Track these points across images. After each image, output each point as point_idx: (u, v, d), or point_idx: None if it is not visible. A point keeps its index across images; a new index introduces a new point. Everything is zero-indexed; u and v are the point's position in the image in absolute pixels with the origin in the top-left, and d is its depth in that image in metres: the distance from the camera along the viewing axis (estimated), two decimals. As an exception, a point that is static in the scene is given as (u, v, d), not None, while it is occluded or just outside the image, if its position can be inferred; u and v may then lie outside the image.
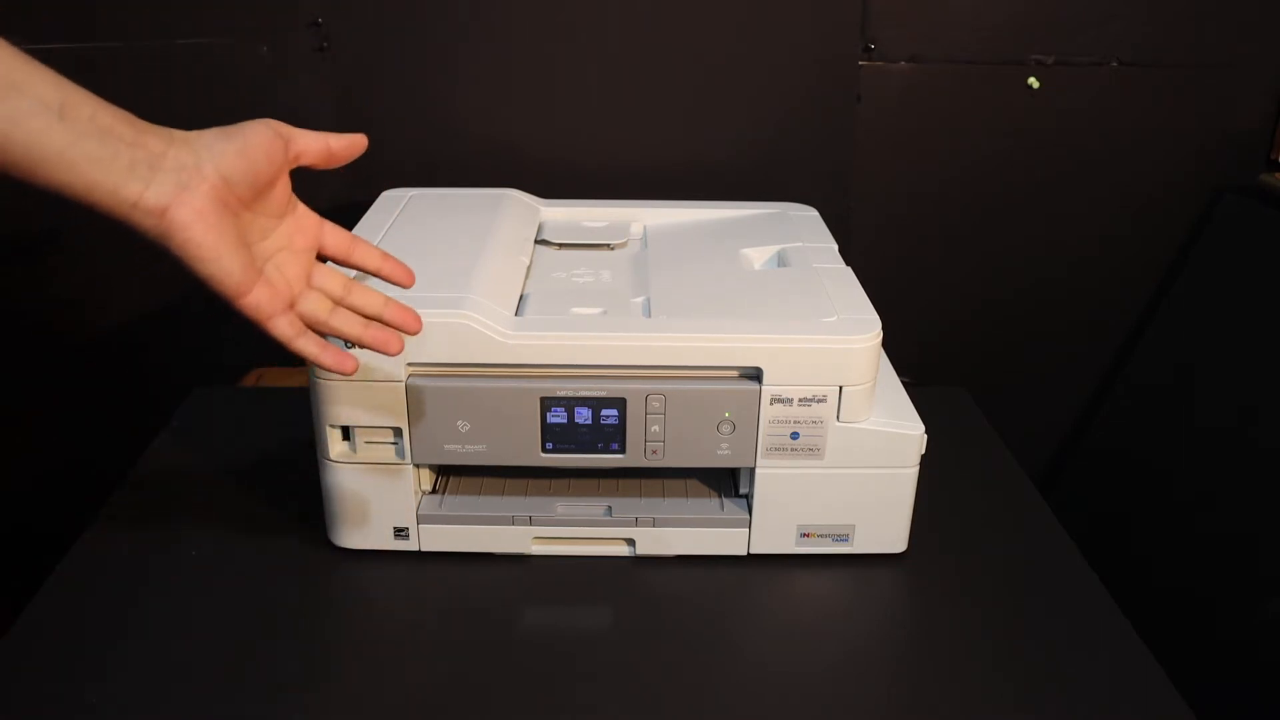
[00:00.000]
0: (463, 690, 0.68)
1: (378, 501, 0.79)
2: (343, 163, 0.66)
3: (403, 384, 0.74)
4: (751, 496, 0.79)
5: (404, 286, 0.68)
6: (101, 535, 0.83)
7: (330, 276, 0.65)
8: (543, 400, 0.75)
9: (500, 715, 0.66)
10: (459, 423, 0.75)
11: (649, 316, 0.78)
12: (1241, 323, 1.24)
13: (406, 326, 0.66)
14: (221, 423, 1.00)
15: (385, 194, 0.99)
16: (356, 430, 0.76)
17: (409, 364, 0.74)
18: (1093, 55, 1.24)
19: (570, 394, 0.75)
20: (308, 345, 0.62)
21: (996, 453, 0.98)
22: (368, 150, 0.66)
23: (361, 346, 0.65)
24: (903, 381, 0.84)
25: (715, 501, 0.82)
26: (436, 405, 0.75)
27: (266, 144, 0.60)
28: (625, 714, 0.67)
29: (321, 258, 0.66)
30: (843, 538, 0.80)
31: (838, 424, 0.76)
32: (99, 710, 0.66)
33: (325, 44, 1.19)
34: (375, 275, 0.67)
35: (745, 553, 0.81)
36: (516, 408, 0.75)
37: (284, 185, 0.63)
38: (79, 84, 0.56)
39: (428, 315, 0.72)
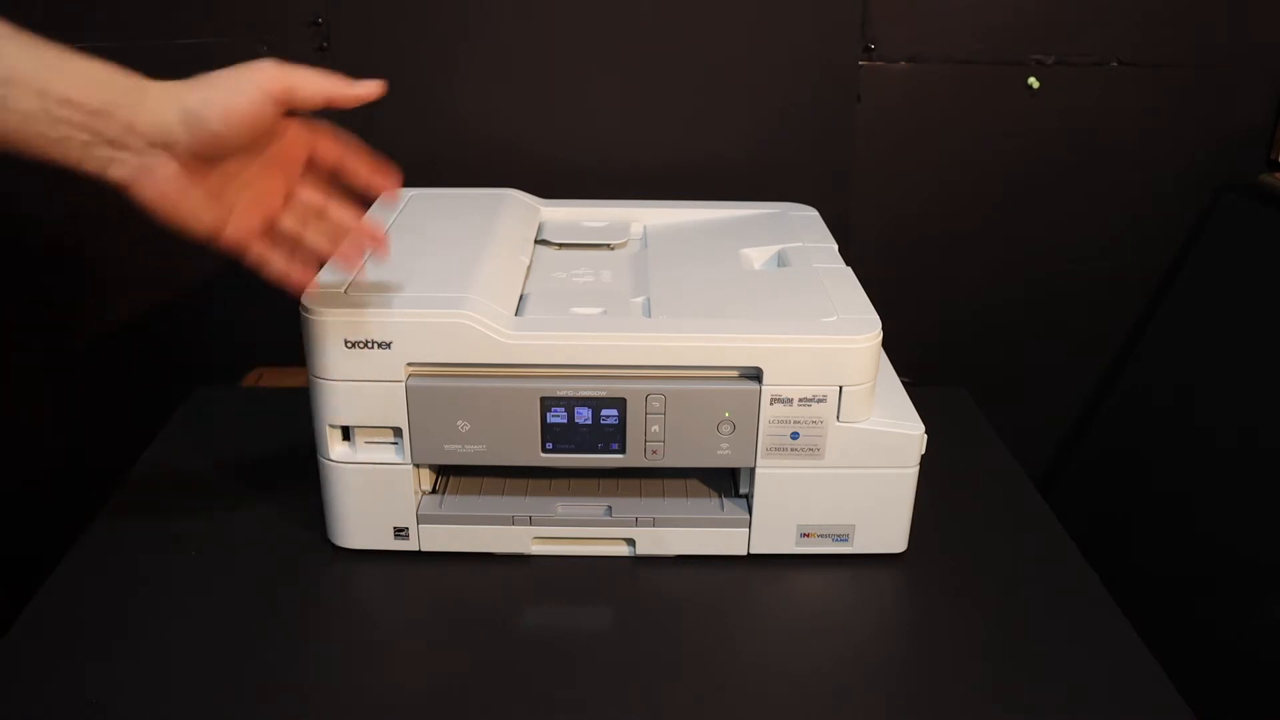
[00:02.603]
0: (463, 690, 0.68)
1: (378, 501, 0.79)
2: (348, 104, 0.64)
3: (403, 384, 0.74)
4: (751, 496, 0.79)
5: (390, 198, 0.70)
6: (101, 535, 0.83)
7: (314, 188, 0.66)
8: (543, 400, 0.75)
9: (500, 715, 0.66)
10: (459, 423, 0.75)
11: (649, 316, 0.78)
12: (1242, 322, 1.24)
13: (376, 241, 0.69)
14: (221, 423, 1.00)
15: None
16: (356, 430, 0.76)
17: (409, 364, 0.74)
18: (1093, 55, 1.24)
19: (570, 394, 0.75)
20: (274, 266, 0.64)
21: (996, 453, 0.98)
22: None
23: (329, 258, 0.68)
24: (903, 381, 0.84)
25: (715, 501, 0.82)
26: (436, 405, 0.75)
27: (255, 111, 0.58)
28: (625, 714, 0.67)
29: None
30: (843, 538, 0.80)
31: (838, 424, 0.76)
32: (99, 709, 0.66)
33: (325, 44, 1.19)
34: (364, 184, 0.68)
35: (745, 553, 0.81)
36: (516, 408, 0.75)
37: (273, 119, 0.61)
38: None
39: (428, 315, 0.73)
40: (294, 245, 0.65)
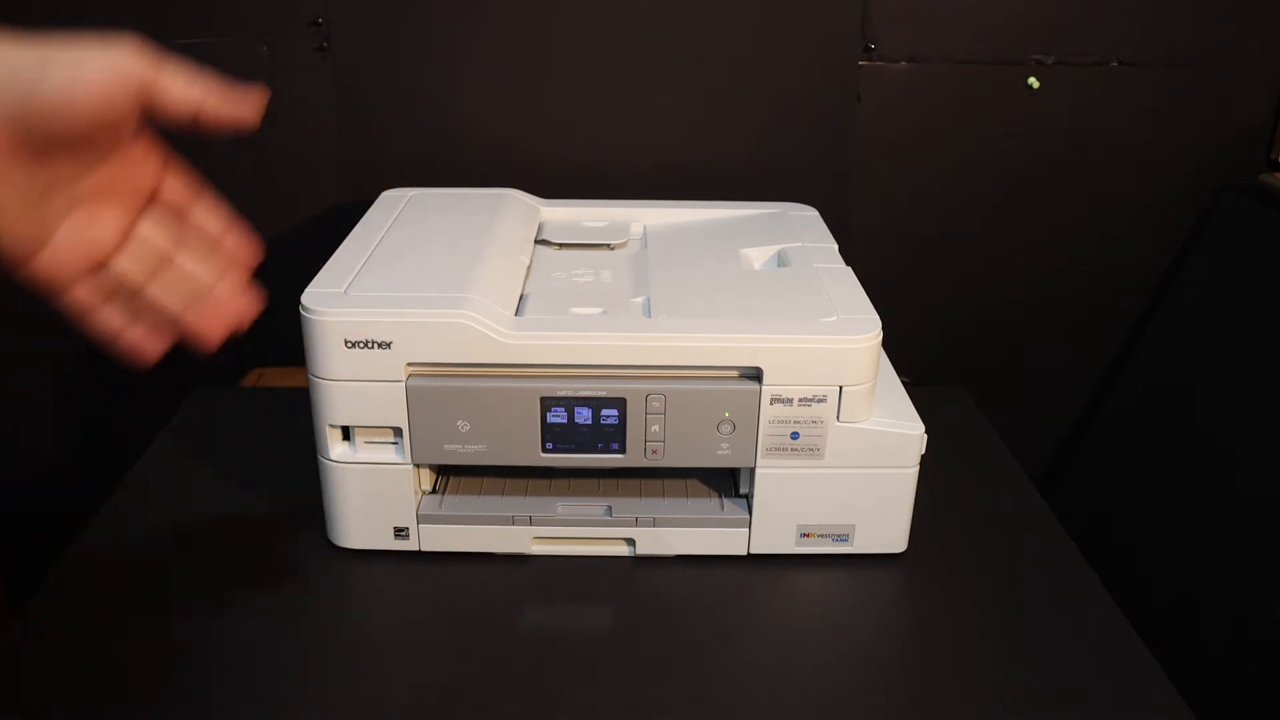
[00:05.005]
0: (463, 690, 0.68)
1: (378, 501, 0.79)
2: (219, 130, 0.49)
3: (403, 384, 0.74)
4: (751, 496, 0.79)
5: (244, 265, 0.54)
6: (101, 535, 0.83)
7: (159, 229, 0.51)
8: (543, 400, 0.75)
9: (500, 715, 0.66)
10: (459, 423, 0.75)
11: (649, 316, 0.78)
12: (1242, 322, 1.24)
13: (242, 311, 0.53)
14: (221, 423, 1.00)
15: (385, 194, 0.99)
16: (356, 430, 0.76)
17: (409, 364, 0.74)
18: (1093, 55, 1.24)
19: (570, 394, 0.75)
20: (107, 320, 0.50)
21: (996, 453, 0.98)
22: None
23: (177, 328, 0.52)
24: (903, 381, 0.84)
25: (715, 501, 0.82)
26: (436, 405, 0.75)
27: (105, 94, 0.44)
28: (625, 714, 0.67)
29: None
30: (843, 538, 0.80)
31: (838, 424, 0.76)
32: (98, 710, 0.66)
33: (325, 44, 1.19)
34: (212, 245, 0.53)
35: (745, 553, 0.81)
36: (516, 408, 0.75)
37: (121, 124, 0.47)
38: None
39: (428, 315, 0.73)
40: (133, 298, 0.51)
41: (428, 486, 0.82)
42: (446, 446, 0.76)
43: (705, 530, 0.80)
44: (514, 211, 0.96)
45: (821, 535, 0.80)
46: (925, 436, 0.77)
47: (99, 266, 0.49)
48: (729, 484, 0.84)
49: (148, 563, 0.80)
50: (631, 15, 1.19)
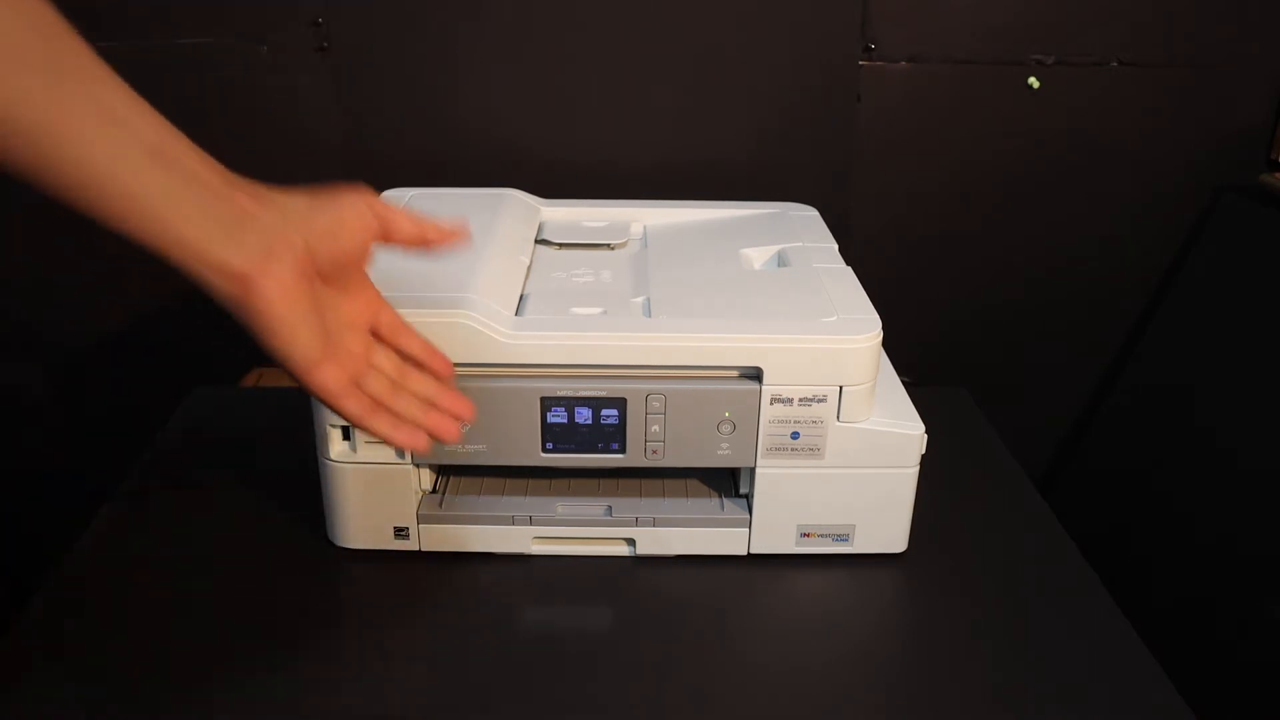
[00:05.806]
0: (463, 690, 0.68)
1: (378, 501, 0.79)
2: (434, 251, 0.64)
3: (403, 384, 0.74)
4: (751, 496, 0.79)
5: (441, 378, 0.66)
6: (101, 535, 0.83)
7: (387, 357, 0.63)
8: (543, 400, 0.75)
9: (500, 715, 0.66)
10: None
11: (649, 316, 0.78)
12: (1242, 322, 1.24)
13: (461, 414, 0.65)
14: (221, 423, 1.00)
15: (385, 194, 0.99)
16: (356, 430, 0.76)
17: (409, 364, 0.74)
18: (1093, 55, 1.24)
19: (570, 394, 0.75)
20: (381, 424, 0.60)
21: (996, 453, 0.98)
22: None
23: (422, 429, 0.63)
24: (903, 381, 0.84)
25: (715, 501, 0.82)
26: (436, 405, 0.74)
27: (360, 224, 0.58)
28: (625, 714, 0.67)
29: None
30: (843, 538, 0.80)
31: (838, 424, 0.76)
32: (98, 710, 0.66)
33: (325, 44, 1.19)
34: (415, 361, 0.65)
35: (745, 553, 0.81)
36: (516, 408, 0.75)
37: (364, 260, 0.61)
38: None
39: (428, 315, 0.72)
40: (387, 409, 0.62)
41: (428, 486, 0.82)
42: (446, 446, 0.76)
43: (705, 530, 0.80)
44: (514, 211, 0.96)
45: (821, 535, 0.80)
46: (925, 436, 0.77)
47: (357, 382, 0.60)
48: (729, 484, 0.84)
49: (148, 563, 0.80)
50: (631, 15, 1.19)
